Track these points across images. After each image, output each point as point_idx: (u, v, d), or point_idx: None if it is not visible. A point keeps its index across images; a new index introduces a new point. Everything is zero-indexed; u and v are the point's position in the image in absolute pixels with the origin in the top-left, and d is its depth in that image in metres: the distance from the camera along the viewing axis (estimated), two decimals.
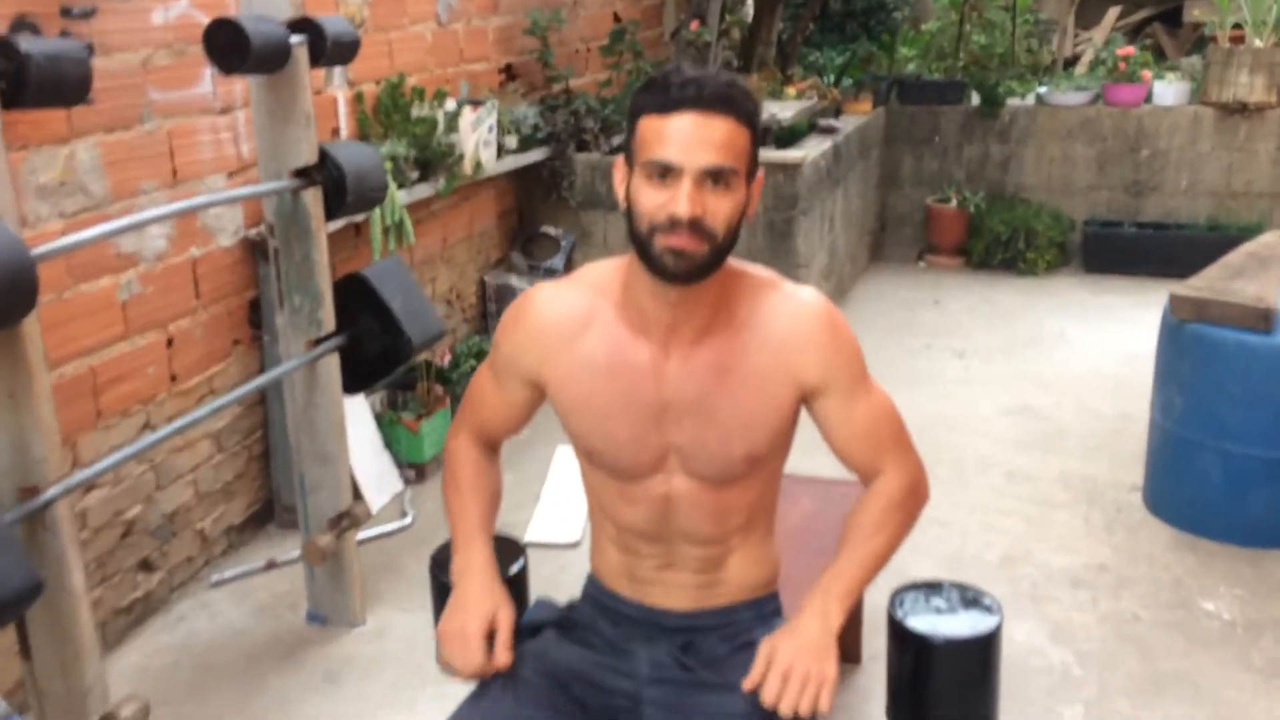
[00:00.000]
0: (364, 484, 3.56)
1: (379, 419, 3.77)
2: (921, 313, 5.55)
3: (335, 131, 3.67)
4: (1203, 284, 3.31)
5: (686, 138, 1.42)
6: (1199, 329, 3.21)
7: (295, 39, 2.55)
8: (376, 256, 3.53)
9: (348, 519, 2.92)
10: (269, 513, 3.47)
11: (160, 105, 2.90)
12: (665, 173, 1.44)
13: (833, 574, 1.60)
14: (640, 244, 1.48)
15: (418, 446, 3.77)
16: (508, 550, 2.14)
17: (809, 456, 2.01)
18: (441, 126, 3.92)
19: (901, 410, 1.68)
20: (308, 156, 2.64)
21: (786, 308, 1.58)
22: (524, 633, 1.70)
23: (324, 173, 2.67)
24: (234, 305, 3.24)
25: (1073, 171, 6.21)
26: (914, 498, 1.67)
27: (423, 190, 3.85)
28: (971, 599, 2.02)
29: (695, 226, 1.43)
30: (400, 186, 3.69)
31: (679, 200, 1.42)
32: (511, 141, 4.45)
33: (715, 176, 1.44)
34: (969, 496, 3.60)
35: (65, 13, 2.59)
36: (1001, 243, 6.06)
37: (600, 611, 1.73)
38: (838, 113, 5.95)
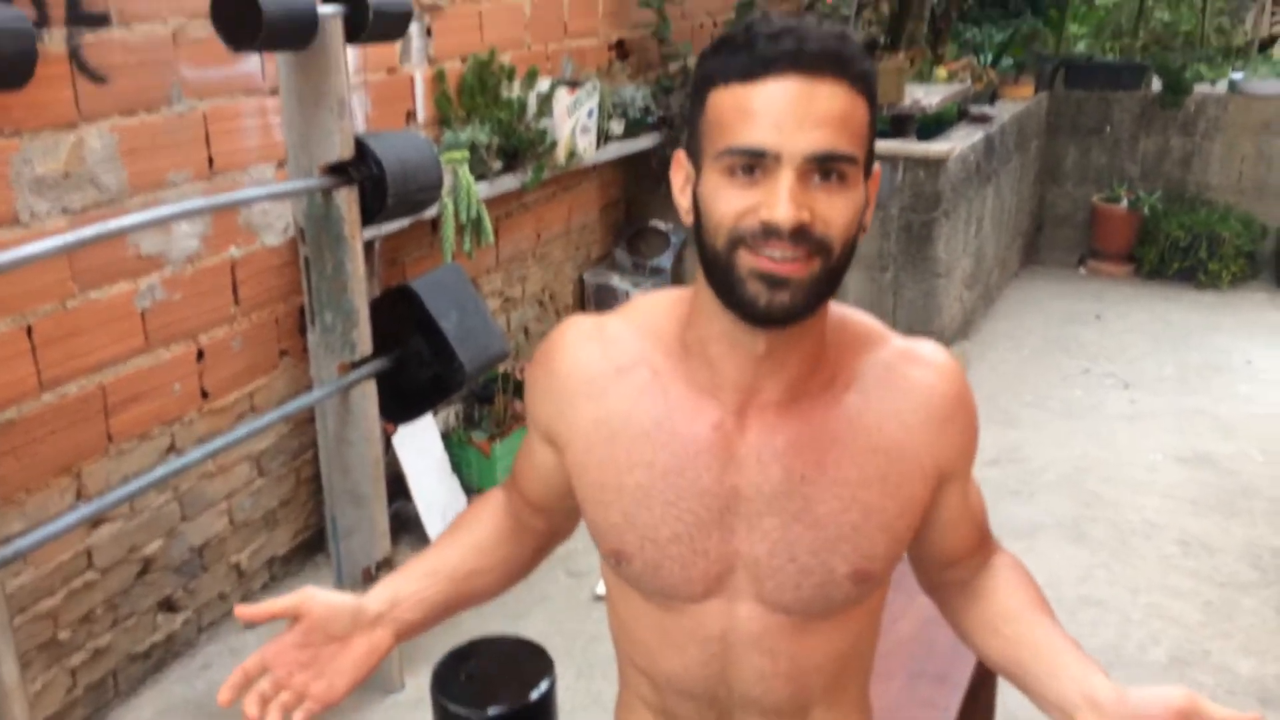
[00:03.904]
0: (424, 513, 3.17)
1: (447, 438, 3.37)
2: (1080, 329, 4.87)
3: (410, 115, 3.26)
4: None
5: (785, 111, 0.95)
6: None
7: (327, 9, 2.14)
8: (448, 258, 3.12)
9: (385, 569, 2.52)
10: (320, 541, 3.11)
11: (194, 84, 2.53)
12: (753, 165, 0.96)
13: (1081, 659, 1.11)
14: (717, 269, 1.01)
15: (490, 471, 3.35)
16: (531, 661, 1.69)
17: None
18: (532, 109, 3.48)
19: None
20: (341, 150, 2.22)
21: (918, 371, 1.12)
22: None
23: (361, 169, 2.26)
24: (281, 312, 2.87)
25: (1268, 172, 5.40)
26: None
27: (507, 182, 3.41)
28: None
29: (802, 237, 0.96)
30: (480, 178, 3.27)
31: (777, 201, 0.95)
32: (616, 127, 3.98)
33: (826, 168, 0.96)
34: (1132, 571, 2.98)
35: None
36: (1179, 250, 5.32)
37: None
38: (993, 98, 5.29)
